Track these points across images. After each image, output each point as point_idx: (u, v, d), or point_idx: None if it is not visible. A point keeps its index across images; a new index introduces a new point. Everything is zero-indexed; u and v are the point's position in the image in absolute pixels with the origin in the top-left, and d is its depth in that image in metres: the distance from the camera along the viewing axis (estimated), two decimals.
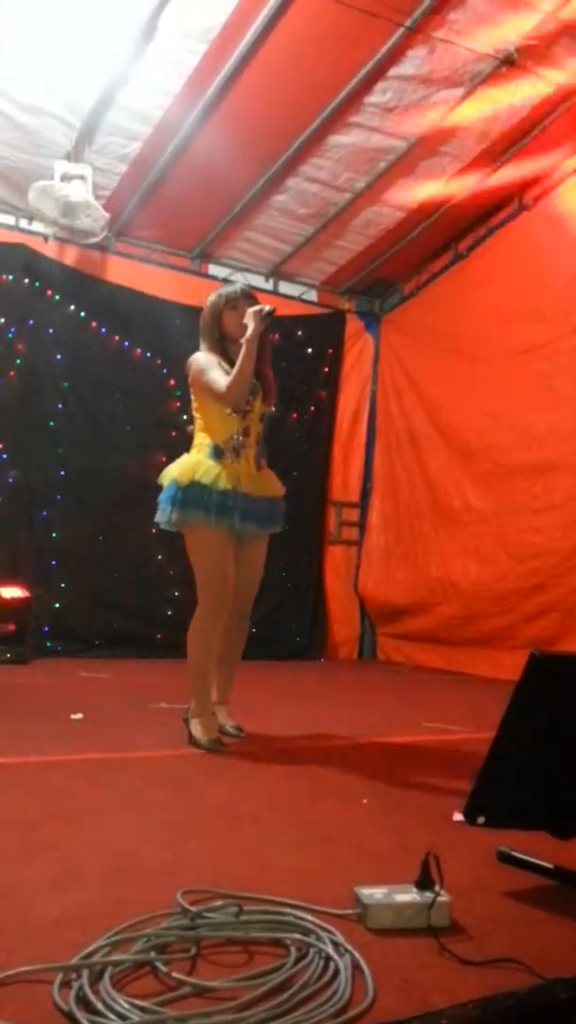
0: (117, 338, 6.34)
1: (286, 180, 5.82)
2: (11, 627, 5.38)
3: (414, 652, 6.71)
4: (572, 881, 1.58)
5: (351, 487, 7.36)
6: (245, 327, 2.86)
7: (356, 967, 1.19)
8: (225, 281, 6.66)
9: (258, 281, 6.89)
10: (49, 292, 6.10)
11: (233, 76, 4.82)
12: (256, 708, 3.64)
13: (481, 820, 1.53)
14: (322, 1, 4.33)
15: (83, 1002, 1.07)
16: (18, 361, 5.99)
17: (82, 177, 5.32)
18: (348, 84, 4.95)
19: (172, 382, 6.30)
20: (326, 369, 7.20)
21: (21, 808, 2.01)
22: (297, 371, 6.85)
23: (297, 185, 5.88)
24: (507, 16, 4.50)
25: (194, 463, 2.90)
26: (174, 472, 2.92)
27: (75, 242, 6.05)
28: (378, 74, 4.91)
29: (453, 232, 6.55)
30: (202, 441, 2.96)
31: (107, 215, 5.60)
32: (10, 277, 5.93)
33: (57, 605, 5.95)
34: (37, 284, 6.04)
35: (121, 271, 6.39)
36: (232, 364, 2.88)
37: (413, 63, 4.84)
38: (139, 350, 6.41)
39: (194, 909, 1.32)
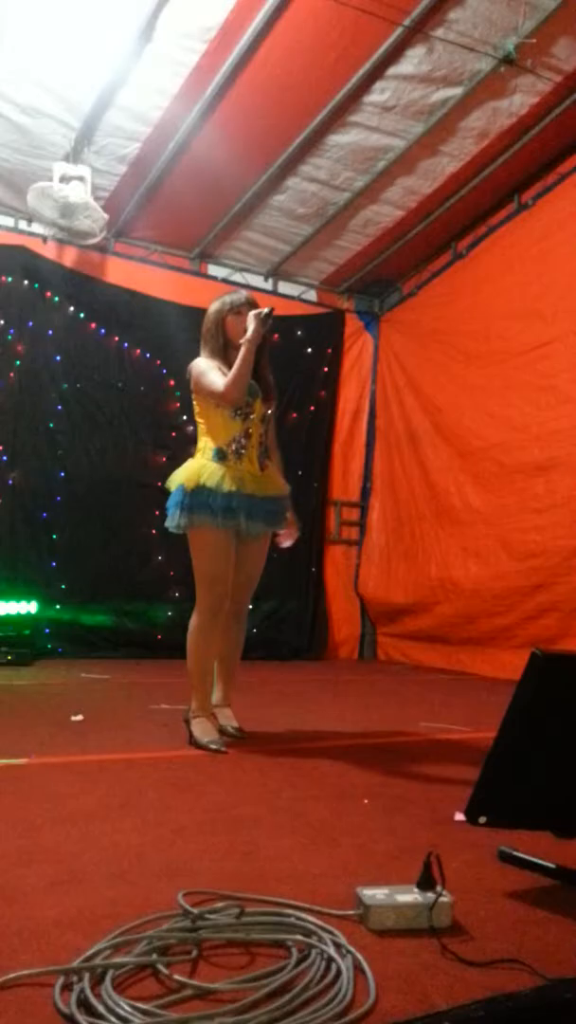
0: (116, 339, 6.35)
1: (285, 180, 5.83)
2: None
3: (414, 652, 6.71)
4: (574, 881, 1.57)
5: (351, 487, 7.36)
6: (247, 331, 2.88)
7: (358, 968, 1.18)
8: (225, 281, 6.68)
9: (257, 281, 6.90)
10: (48, 293, 6.11)
11: (232, 76, 4.82)
12: (256, 708, 3.64)
13: (483, 820, 1.53)
14: (321, 0, 4.33)
15: (84, 1005, 1.06)
16: (18, 362, 6.00)
17: (81, 178, 5.33)
18: (347, 83, 4.95)
19: (172, 382, 6.31)
20: (325, 369, 7.20)
21: (21, 809, 2.01)
22: (296, 371, 6.85)
23: (296, 185, 5.88)
24: (506, 15, 4.50)
25: (199, 467, 2.93)
26: (180, 477, 2.95)
27: (74, 243, 6.06)
28: (377, 73, 4.91)
29: (452, 231, 6.56)
30: (205, 445, 2.99)
31: (106, 216, 5.60)
32: (9, 278, 5.95)
33: (57, 607, 5.96)
34: (36, 285, 6.05)
35: (120, 272, 6.40)
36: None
37: (412, 62, 4.84)
38: (138, 351, 6.42)
39: (195, 911, 1.32)
